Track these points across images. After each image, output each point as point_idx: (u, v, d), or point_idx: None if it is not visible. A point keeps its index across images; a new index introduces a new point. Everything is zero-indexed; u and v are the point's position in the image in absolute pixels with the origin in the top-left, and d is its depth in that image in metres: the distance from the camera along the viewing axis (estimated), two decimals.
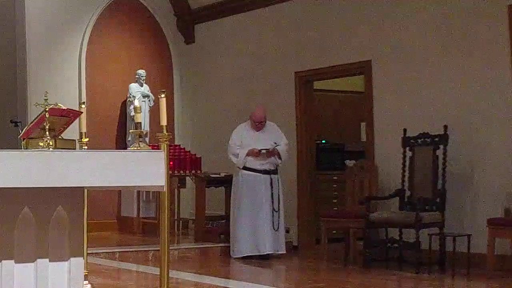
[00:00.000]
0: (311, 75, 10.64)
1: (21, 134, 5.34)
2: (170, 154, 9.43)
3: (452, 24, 8.74)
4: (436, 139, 8.51)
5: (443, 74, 8.82)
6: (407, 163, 8.74)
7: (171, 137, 5.01)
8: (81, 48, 11.81)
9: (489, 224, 7.70)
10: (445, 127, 8.40)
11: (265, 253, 9.19)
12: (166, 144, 4.86)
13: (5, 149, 3.62)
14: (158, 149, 4.78)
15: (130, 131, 11.31)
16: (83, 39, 11.83)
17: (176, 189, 11.16)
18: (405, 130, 8.77)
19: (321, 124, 11.70)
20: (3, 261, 3.78)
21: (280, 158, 9.39)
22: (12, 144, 7.10)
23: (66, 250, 3.92)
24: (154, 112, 10.96)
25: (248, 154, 9.31)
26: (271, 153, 9.32)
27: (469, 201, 8.44)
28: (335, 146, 12.10)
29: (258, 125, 9.46)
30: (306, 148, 10.65)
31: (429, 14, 9.00)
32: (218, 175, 10.62)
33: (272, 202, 9.31)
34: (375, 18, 9.64)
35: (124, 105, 11.95)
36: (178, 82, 12.62)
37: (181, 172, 11.08)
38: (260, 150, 9.26)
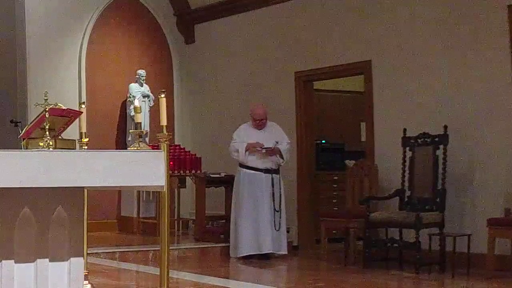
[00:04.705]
0: (311, 75, 10.64)
1: (21, 134, 5.35)
2: (170, 154, 9.44)
3: (452, 24, 8.74)
4: (436, 139, 8.50)
5: (443, 74, 8.82)
6: (407, 163, 8.73)
7: (171, 137, 5.01)
8: (81, 48, 11.81)
9: (489, 224, 7.70)
10: (445, 127, 8.39)
11: (266, 252, 9.19)
12: (166, 144, 4.85)
13: (5, 149, 3.61)
14: (158, 149, 4.78)
15: (130, 131, 11.31)
16: (83, 39, 11.83)
17: (176, 189, 11.16)
18: (405, 130, 8.77)
19: (321, 124, 11.70)
20: (3, 261, 3.78)
21: (282, 157, 9.38)
22: (12, 144, 7.09)
23: (66, 250, 3.92)
24: (154, 112, 10.96)
25: (247, 148, 9.29)
26: (272, 151, 9.31)
27: (469, 201, 8.44)
28: (335, 146, 12.09)
29: (259, 123, 9.44)
30: (306, 148, 10.65)
31: (429, 14, 9.00)
32: (218, 175, 10.62)
33: (273, 201, 9.30)
34: (375, 18, 9.64)
35: (124, 105, 11.95)
36: (178, 82, 12.61)
37: (181, 172, 11.08)
38: (258, 143, 9.25)
